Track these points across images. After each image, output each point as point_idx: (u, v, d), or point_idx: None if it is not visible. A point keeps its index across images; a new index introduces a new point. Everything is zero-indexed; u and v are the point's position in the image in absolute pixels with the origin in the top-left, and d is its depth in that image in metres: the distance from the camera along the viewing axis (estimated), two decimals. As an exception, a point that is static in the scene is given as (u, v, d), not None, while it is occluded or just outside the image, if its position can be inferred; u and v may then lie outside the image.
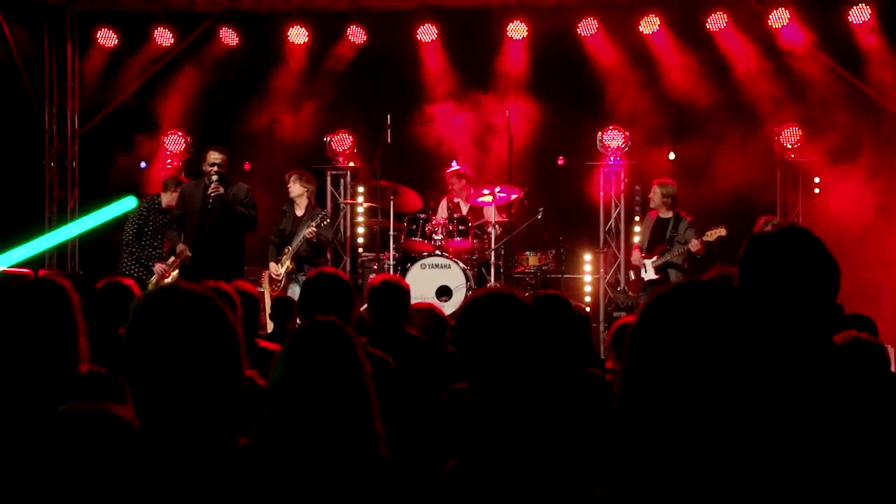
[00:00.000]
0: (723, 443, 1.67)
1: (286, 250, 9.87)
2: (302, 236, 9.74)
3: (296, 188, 10.08)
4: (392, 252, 10.78)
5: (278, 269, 9.82)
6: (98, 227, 11.06)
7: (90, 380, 3.16)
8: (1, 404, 2.98)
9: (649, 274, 10.24)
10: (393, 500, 2.47)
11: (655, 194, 10.35)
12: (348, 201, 11.94)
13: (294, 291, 9.45)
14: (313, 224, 9.77)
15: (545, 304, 4.27)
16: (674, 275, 10.13)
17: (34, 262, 10.88)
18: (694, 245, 9.89)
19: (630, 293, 11.02)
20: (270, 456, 2.38)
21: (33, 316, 3.13)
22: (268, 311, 8.79)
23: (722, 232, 9.83)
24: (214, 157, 9.23)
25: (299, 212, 10.04)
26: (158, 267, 9.86)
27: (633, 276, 10.73)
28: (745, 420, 1.68)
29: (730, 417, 1.68)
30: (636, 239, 10.85)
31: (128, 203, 9.85)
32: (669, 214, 10.30)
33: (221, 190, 9.11)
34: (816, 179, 11.83)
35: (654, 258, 10.21)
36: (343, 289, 4.43)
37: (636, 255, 10.42)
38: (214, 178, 9.11)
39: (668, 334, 1.73)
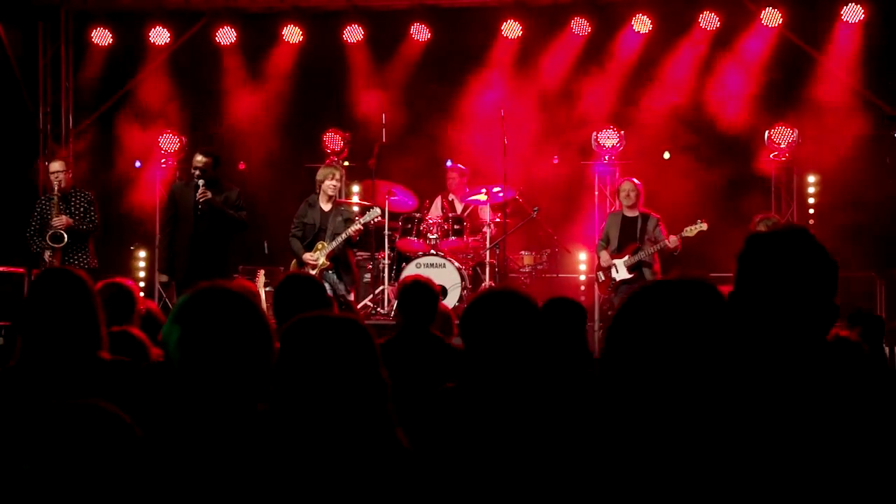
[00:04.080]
0: (698, 438, 1.67)
1: (319, 245, 9.75)
2: (345, 235, 9.64)
3: (339, 186, 9.96)
4: (387, 251, 10.80)
5: (315, 256, 9.65)
6: None
7: (112, 367, 3.25)
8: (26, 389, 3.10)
9: (621, 273, 10.17)
10: (408, 486, 2.47)
11: (631, 191, 10.27)
12: (343, 200, 11.93)
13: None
14: (360, 223, 9.73)
15: (558, 309, 4.39)
16: (647, 273, 10.08)
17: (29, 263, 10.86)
18: (672, 241, 9.89)
19: (601, 294, 10.91)
20: (284, 423, 2.43)
21: (56, 302, 3.31)
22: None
23: (703, 227, 9.85)
24: (198, 160, 9.28)
25: (326, 206, 9.93)
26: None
27: (601, 277, 10.53)
28: (719, 415, 1.68)
29: (704, 413, 1.68)
30: (603, 237, 10.61)
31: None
32: (636, 213, 10.26)
33: (209, 195, 9.13)
34: (810, 179, 11.85)
35: (626, 257, 10.15)
36: (318, 291, 4.55)
37: (605, 256, 10.30)
38: (200, 182, 9.14)
39: (645, 331, 1.73)
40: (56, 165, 9.74)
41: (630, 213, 10.30)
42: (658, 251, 10.05)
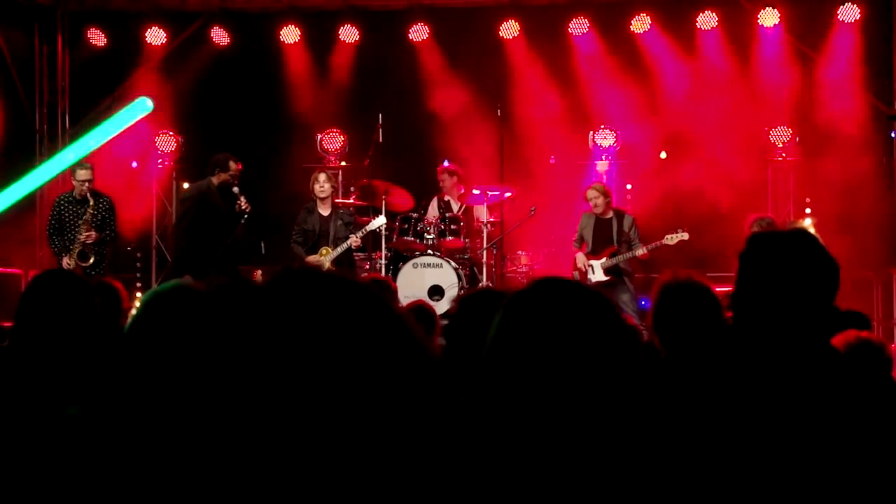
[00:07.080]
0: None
1: (324, 251, 9.81)
2: (348, 244, 9.78)
3: (327, 187, 10.08)
4: (384, 251, 10.78)
5: (318, 259, 9.73)
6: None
7: None
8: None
9: (597, 276, 10.10)
10: None
11: (599, 199, 10.17)
12: (340, 200, 11.93)
13: None
14: (358, 235, 9.89)
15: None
16: (628, 282, 10.10)
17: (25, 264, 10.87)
18: (639, 251, 9.88)
19: None
20: None
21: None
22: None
23: (684, 236, 9.74)
24: (236, 168, 9.54)
25: (325, 211, 10.00)
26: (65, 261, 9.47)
27: (576, 277, 10.48)
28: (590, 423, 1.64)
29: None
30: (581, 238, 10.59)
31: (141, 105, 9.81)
32: (609, 213, 10.23)
33: (249, 208, 9.32)
34: (807, 178, 11.86)
35: (604, 259, 10.11)
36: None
37: (581, 258, 10.25)
38: (236, 190, 9.36)
39: (525, 336, 1.71)
40: (85, 173, 9.53)
41: (605, 216, 10.27)
42: (630, 259, 10.01)
